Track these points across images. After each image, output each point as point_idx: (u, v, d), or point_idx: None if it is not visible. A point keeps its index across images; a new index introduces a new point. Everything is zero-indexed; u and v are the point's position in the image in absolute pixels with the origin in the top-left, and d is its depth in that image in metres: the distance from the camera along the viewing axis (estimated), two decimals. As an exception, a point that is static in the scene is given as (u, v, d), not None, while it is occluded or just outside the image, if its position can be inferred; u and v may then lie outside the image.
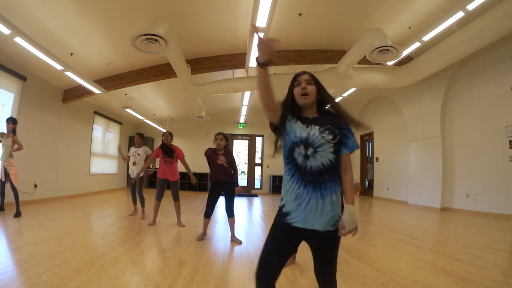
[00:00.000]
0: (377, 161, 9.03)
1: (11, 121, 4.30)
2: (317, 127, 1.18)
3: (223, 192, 3.36)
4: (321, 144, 1.15)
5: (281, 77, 5.51)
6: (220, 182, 3.32)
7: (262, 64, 1.06)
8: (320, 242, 1.15)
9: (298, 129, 1.19)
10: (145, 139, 5.81)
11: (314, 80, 1.25)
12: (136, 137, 4.86)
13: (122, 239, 3.24)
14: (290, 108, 1.27)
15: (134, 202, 4.87)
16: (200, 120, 9.10)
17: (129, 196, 4.98)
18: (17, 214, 4.09)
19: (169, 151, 4.06)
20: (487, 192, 5.31)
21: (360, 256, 2.78)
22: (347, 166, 1.18)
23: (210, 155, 3.32)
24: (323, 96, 1.26)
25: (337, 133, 1.17)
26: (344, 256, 2.75)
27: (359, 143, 10.64)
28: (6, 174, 4.17)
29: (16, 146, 4.29)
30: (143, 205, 4.67)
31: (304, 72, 1.28)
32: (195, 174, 10.12)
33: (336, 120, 1.22)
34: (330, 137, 1.15)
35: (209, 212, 3.31)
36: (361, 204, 7.54)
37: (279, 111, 1.20)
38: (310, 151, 1.15)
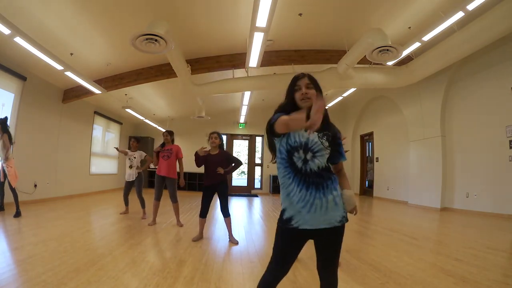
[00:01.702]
0: (377, 161, 9.03)
1: None
2: (315, 132, 1.18)
3: (216, 192, 3.35)
4: (320, 149, 1.18)
5: (281, 77, 5.53)
6: (211, 187, 3.31)
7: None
8: (327, 239, 1.18)
9: (297, 134, 1.19)
10: (141, 141, 5.94)
11: (313, 83, 1.24)
12: (132, 141, 4.88)
13: (122, 239, 3.24)
14: (289, 112, 1.24)
15: (126, 204, 4.93)
16: (200, 120, 9.09)
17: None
18: (17, 214, 4.09)
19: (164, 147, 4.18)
20: (487, 192, 5.31)
21: (360, 256, 2.78)
22: (343, 167, 1.33)
23: (204, 158, 3.30)
24: None
25: (331, 142, 1.22)
26: (344, 256, 2.75)
27: (358, 143, 10.65)
28: (5, 174, 4.16)
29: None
30: (143, 206, 4.69)
31: (304, 75, 1.26)
32: (195, 174, 10.13)
33: (333, 129, 1.27)
34: (327, 144, 1.20)
35: (204, 212, 3.31)
36: (361, 204, 7.54)
37: None
38: (309, 155, 1.17)
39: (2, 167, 4.16)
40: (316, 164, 1.17)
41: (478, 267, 2.43)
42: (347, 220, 1.20)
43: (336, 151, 1.26)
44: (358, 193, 9.98)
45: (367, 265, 2.49)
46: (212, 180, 3.28)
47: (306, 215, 1.13)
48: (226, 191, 3.35)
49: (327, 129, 1.23)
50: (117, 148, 5.09)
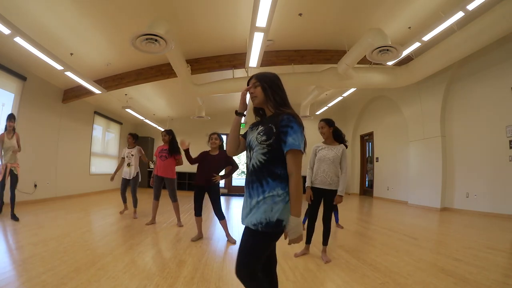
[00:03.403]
0: (377, 161, 9.03)
1: (14, 118, 4.04)
2: (261, 128, 1.19)
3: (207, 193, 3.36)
4: (255, 145, 1.18)
5: (281, 77, 5.50)
6: (202, 187, 3.31)
7: (239, 114, 1.31)
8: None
9: (248, 136, 1.26)
10: (141, 140, 5.80)
11: (259, 81, 1.26)
12: (128, 137, 4.85)
13: (122, 239, 3.24)
14: (260, 113, 1.34)
15: (124, 201, 4.95)
16: (200, 120, 9.09)
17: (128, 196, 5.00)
18: (14, 217, 3.89)
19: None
20: (487, 192, 5.31)
21: (360, 256, 2.77)
22: (290, 170, 1.10)
23: (201, 157, 3.33)
24: (267, 94, 1.24)
25: (274, 133, 1.12)
26: (344, 256, 2.76)
27: (358, 143, 10.53)
28: (5, 175, 4.10)
29: (16, 147, 4.07)
30: (135, 206, 4.66)
31: (252, 77, 1.29)
32: (195, 174, 10.03)
33: (277, 118, 1.15)
34: (264, 138, 1.14)
35: (198, 210, 3.35)
36: (361, 204, 7.54)
37: (241, 145, 1.33)
38: (251, 153, 1.21)
39: (10, 168, 4.00)
40: (251, 162, 1.19)
41: (478, 267, 2.43)
42: (266, 229, 1.10)
43: (281, 141, 1.11)
44: (358, 193, 9.98)
45: (367, 265, 2.49)
46: (205, 181, 3.25)
47: (243, 208, 1.23)
48: (217, 194, 3.35)
49: (271, 121, 1.17)
50: (111, 178, 5.04)
